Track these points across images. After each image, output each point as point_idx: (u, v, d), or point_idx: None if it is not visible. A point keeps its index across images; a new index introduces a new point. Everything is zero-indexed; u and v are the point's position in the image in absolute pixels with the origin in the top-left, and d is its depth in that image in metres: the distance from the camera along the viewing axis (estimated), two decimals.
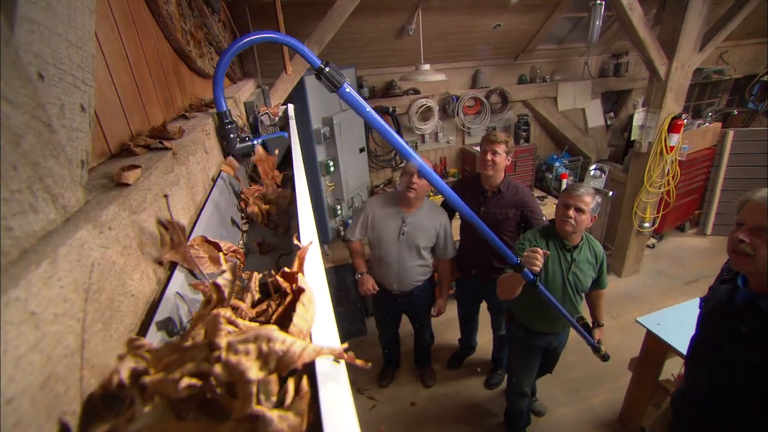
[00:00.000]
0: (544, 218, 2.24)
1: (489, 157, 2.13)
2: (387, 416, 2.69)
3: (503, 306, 2.47)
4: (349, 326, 3.25)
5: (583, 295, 1.92)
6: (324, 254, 3.07)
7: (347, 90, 0.93)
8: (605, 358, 2.10)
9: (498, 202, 2.23)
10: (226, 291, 0.29)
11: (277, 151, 1.08)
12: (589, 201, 1.68)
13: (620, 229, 3.82)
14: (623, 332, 3.20)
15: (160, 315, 0.44)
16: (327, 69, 0.89)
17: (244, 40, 0.88)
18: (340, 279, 3.04)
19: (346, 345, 0.29)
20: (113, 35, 0.70)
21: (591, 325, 2.05)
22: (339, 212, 3.14)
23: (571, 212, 1.68)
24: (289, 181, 0.97)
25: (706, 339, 1.35)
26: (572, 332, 2.15)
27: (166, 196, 0.49)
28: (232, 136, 0.94)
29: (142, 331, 0.42)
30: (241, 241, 0.79)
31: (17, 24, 0.39)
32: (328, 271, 2.96)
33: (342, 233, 3.23)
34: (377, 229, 2.22)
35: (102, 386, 0.32)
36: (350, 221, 3.24)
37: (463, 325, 2.92)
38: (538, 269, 1.52)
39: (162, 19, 0.98)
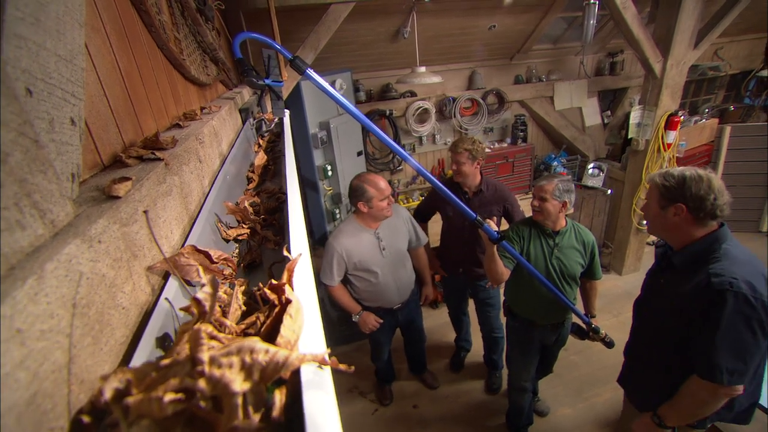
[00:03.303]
0: (521, 208, 2.45)
1: (454, 167, 2.29)
2: (389, 419, 2.69)
3: (492, 302, 2.58)
4: (347, 330, 3.24)
5: (572, 283, 1.94)
6: None
7: (311, 74, 1.23)
8: (609, 343, 2.03)
9: (481, 201, 2.34)
10: (207, 305, 0.30)
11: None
12: (550, 188, 1.80)
13: (620, 228, 3.82)
14: (625, 331, 3.18)
15: (153, 326, 0.44)
16: (296, 60, 1.20)
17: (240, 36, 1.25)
18: None
19: (328, 350, 0.29)
20: (104, 47, 0.70)
21: (586, 329, 2.05)
22: (338, 216, 3.15)
23: (536, 202, 1.85)
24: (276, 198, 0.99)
25: (642, 296, 1.61)
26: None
27: (145, 212, 0.49)
28: (248, 74, 1.29)
29: (134, 343, 0.43)
30: (236, 250, 0.80)
31: (5, 40, 0.39)
32: None
33: None
34: (361, 261, 2.08)
35: (90, 402, 0.32)
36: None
37: (456, 323, 2.97)
38: (495, 227, 1.75)
39: (155, 29, 0.98)
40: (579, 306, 2.03)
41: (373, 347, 2.56)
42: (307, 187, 3.06)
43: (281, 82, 1.72)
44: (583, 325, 2.06)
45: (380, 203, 1.99)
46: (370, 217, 2.06)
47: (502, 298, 2.27)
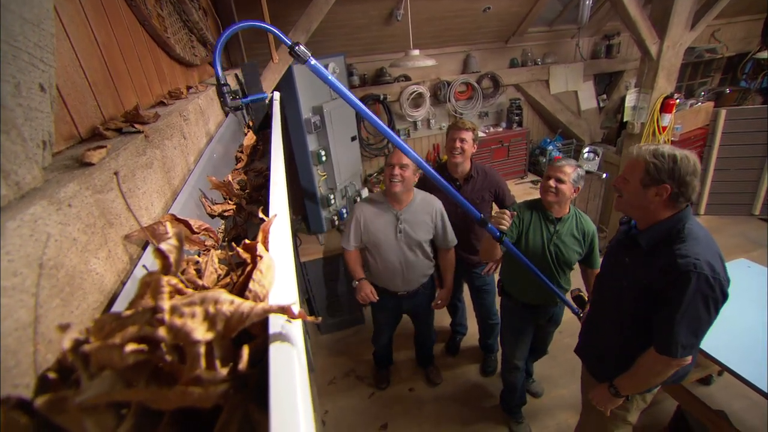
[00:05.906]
0: (512, 193, 2.41)
1: (457, 144, 2.17)
2: (386, 402, 2.72)
3: (488, 288, 2.58)
4: (346, 315, 3.26)
5: (567, 270, 1.95)
6: (319, 244, 3.07)
7: (312, 62, 1.16)
8: None
9: (473, 187, 2.30)
10: (172, 257, 0.29)
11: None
12: (569, 171, 1.79)
13: (614, 212, 3.83)
14: None
15: (128, 291, 0.44)
16: (297, 48, 1.13)
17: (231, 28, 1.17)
18: (334, 269, 3.04)
19: (295, 300, 0.29)
20: (79, 17, 0.68)
21: (587, 299, 2.05)
22: (332, 202, 3.13)
23: (552, 182, 1.80)
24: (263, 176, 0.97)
25: (603, 271, 1.63)
26: (567, 314, 2.18)
27: (116, 173, 0.48)
28: (226, 95, 1.23)
29: (108, 308, 0.42)
30: (222, 226, 0.79)
31: None
32: (321, 261, 2.96)
33: (336, 223, 3.22)
34: (372, 233, 2.07)
35: (58, 361, 0.31)
36: (344, 211, 3.21)
37: (451, 309, 2.99)
38: (505, 227, 1.71)
39: (135, 4, 0.95)
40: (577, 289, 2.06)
41: (375, 327, 2.58)
42: (301, 172, 3.04)
43: (264, 94, 1.68)
44: (574, 304, 2.08)
45: (387, 169, 1.98)
46: (390, 191, 2.02)
47: (497, 277, 2.28)
